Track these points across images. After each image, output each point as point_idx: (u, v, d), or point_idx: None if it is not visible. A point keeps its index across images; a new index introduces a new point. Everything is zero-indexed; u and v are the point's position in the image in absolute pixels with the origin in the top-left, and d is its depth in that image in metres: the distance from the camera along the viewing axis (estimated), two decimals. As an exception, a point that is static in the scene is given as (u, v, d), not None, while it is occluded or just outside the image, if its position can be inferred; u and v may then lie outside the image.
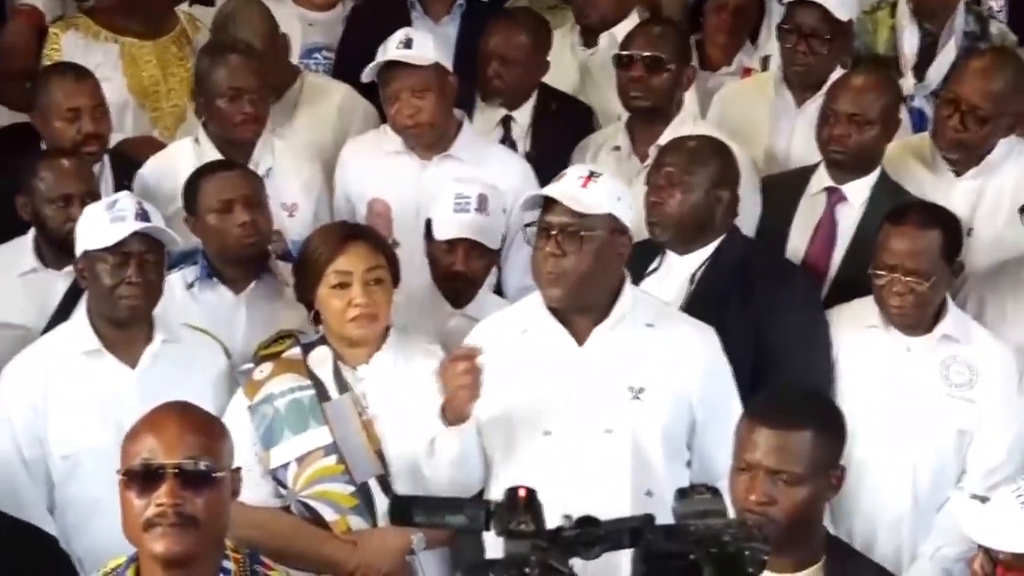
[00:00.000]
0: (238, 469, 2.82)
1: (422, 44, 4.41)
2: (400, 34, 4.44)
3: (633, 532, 1.98)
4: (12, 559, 3.19)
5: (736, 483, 3.04)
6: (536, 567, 1.89)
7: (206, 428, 2.76)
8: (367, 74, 4.48)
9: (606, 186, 3.45)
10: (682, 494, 2.01)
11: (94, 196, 3.97)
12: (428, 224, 4.12)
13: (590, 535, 1.98)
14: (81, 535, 3.59)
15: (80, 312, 3.75)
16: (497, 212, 4.12)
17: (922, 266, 3.74)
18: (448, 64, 4.55)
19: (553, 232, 3.41)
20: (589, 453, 3.44)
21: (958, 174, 4.36)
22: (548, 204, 3.45)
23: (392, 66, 4.38)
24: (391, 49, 4.39)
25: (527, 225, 3.53)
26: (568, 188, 3.44)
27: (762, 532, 1.96)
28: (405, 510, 2.15)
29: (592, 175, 3.45)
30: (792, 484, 2.98)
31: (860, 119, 4.21)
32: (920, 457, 3.80)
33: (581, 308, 3.48)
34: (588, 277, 3.42)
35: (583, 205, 3.40)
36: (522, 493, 2.01)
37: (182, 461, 2.65)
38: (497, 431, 3.52)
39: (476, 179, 4.20)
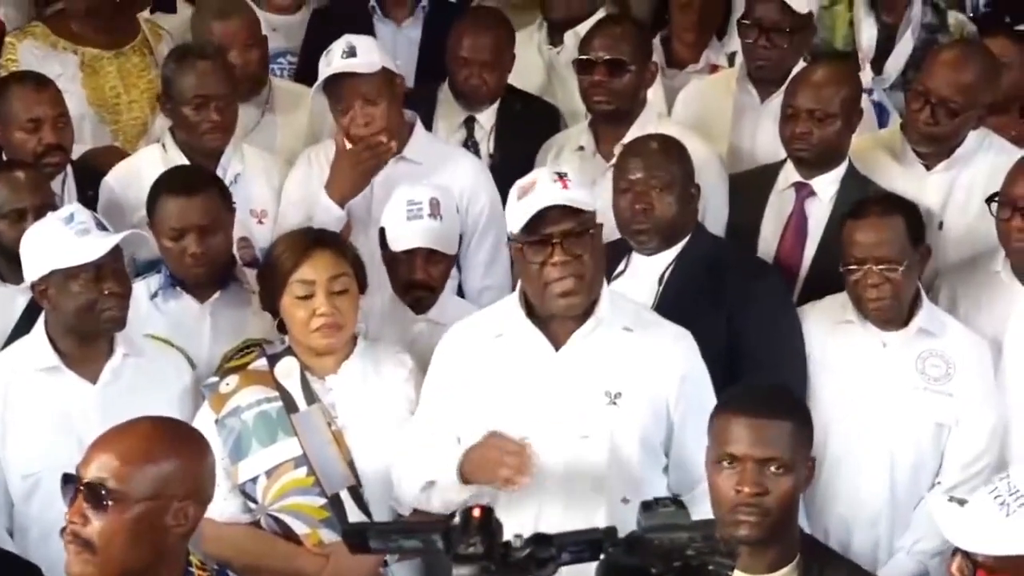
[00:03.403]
0: (188, 499, 2.63)
1: (367, 51, 4.28)
2: (342, 43, 4.30)
3: (593, 546, 1.93)
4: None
5: (720, 479, 3.02)
6: None
7: (135, 451, 2.61)
8: (316, 89, 4.36)
9: (578, 182, 3.37)
10: (646, 507, 1.97)
11: (50, 209, 3.83)
12: (382, 233, 4.03)
13: (541, 553, 1.92)
14: (43, 555, 3.49)
15: (37, 328, 3.66)
16: (451, 214, 4.04)
17: (892, 253, 3.72)
18: (400, 67, 4.45)
19: (556, 241, 3.29)
20: (565, 459, 3.37)
21: (928, 167, 4.33)
22: (536, 217, 3.30)
23: (340, 77, 4.25)
24: (336, 60, 4.27)
25: (510, 240, 3.42)
26: (557, 193, 3.31)
27: (728, 546, 1.91)
28: (360, 537, 2.09)
29: (561, 175, 3.34)
30: (782, 472, 2.99)
31: (821, 114, 4.16)
32: (898, 452, 3.77)
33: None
34: (599, 275, 3.37)
35: (581, 202, 3.32)
36: (476, 513, 1.94)
37: (90, 480, 2.58)
38: (475, 438, 3.43)
39: (425, 182, 4.11)
